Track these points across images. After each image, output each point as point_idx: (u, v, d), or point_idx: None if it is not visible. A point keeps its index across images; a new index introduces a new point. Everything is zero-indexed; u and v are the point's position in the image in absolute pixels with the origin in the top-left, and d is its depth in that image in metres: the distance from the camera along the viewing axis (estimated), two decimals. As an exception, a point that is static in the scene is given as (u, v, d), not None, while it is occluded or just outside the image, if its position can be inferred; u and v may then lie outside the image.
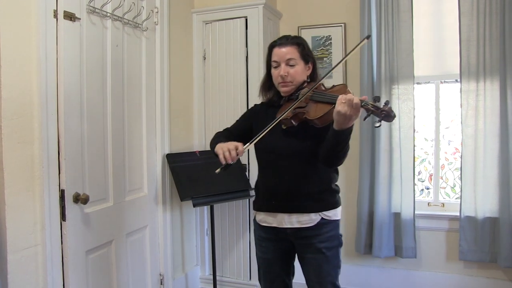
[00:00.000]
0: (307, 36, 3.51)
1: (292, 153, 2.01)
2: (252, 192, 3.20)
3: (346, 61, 3.43)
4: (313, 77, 2.10)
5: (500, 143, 3.00)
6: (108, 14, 2.56)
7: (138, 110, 2.90)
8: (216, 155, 1.92)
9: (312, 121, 1.89)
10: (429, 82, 3.38)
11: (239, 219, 3.44)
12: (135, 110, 2.86)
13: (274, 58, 2.04)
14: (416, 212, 3.23)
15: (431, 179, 3.46)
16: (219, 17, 3.43)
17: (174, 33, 3.26)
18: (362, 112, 1.74)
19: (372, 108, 1.70)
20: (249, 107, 2.30)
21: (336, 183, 2.11)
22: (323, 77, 2.03)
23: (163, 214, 3.12)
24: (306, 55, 2.06)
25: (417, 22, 3.22)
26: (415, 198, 3.23)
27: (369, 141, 3.27)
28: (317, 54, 3.50)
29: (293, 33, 3.56)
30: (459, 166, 3.14)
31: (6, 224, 1.97)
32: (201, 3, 3.52)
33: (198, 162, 3.17)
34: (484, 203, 3.05)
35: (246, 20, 3.35)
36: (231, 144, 1.89)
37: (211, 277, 3.32)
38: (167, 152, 3.16)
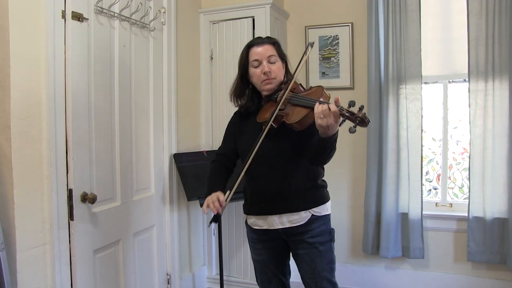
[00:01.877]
0: (314, 35, 3.51)
1: (275, 155, 2.01)
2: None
3: (353, 60, 3.43)
4: (287, 75, 2.12)
5: (509, 143, 2.98)
6: (116, 15, 2.57)
7: (145, 110, 2.91)
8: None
9: (291, 125, 1.91)
10: (437, 82, 3.36)
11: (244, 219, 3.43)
12: (142, 110, 2.87)
13: (254, 57, 2.05)
14: (423, 213, 3.21)
15: (439, 179, 3.44)
16: (226, 17, 3.43)
17: (181, 33, 3.27)
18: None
19: (347, 114, 1.71)
20: (228, 122, 2.32)
21: (323, 179, 2.12)
22: (295, 75, 2.01)
23: (170, 214, 3.13)
24: (282, 53, 2.10)
25: (425, 21, 3.20)
26: (423, 198, 3.21)
27: (376, 141, 3.26)
28: (324, 54, 3.50)
29: (301, 33, 3.59)
30: (467, 166, 3.12)
31: (15, 223, 1.98)
32: (208, 3, 3.52)
33: (205, 162, 3.17)
34: (493, 204, 3.03)
35: (253, 20, 3.35)
36: (214, 196, 1.97)
37: (218, 276, 3.32)
38: (174, 152, 3.17)
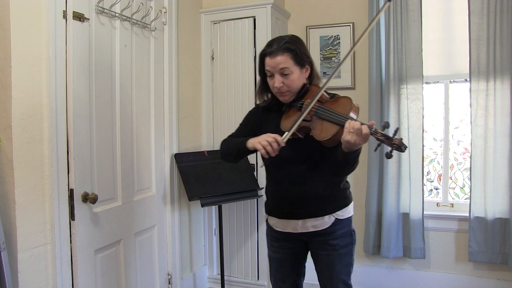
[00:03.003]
0: (315, 35, 3.51)
1: (299, 161, 1.97)
2: (261, 192, 3.22)
3: (354, 61, 3.43)
4: (312, 78, 2.01)
5: (510, 143, 2.97)
6: (117, 15, 2.57)
7: (146, 110, 2.91)
8: (250, 151, 1.92)
9: (320, 142, 1.83)
10: (438, 82, 3.36)
11: (247, 219, 3.44)
12: (143, 110, 2.87)
13: (267, 67, 1.94)
14: (425, 213, 3.21)
15: (440, 179, 3.43)
16: (227, 17, 3.43)
17: (183, 33, 3.27)
18: (372, 140, 1.71)
19: (381, 138, 1.66)
20: (249, 111, 2.24)
21: (346, 180, 2.08)
22: (323, 87, 1.91)
23: (171, 214, 3.13)
24: (301, 59, 1.93)
25: (426, 21, 3.20)
26: (424, 199, 3.21)
27: (377, 141, 3.25)
28: (325, 54, 3.49)
29: (302, 33, 3.58)
30: (469, 166, 3.12)
31: (16, 223, 1.99)
32: (209, 3, 3.52)
33: (206, 162, 3.18)
34: (494, 204, 3.02)
35: (254, 20, 3.34)
36: (269, 137, 1.82)
37: (219, 276, 3.33)
38: (175, 152, 3.17)
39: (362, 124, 1.68)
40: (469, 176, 3.13)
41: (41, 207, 2.11)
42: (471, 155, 3.08)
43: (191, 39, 3.41)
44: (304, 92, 1.97)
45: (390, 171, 3.22)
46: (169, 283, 3.13)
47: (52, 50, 2.12)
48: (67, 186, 2.22)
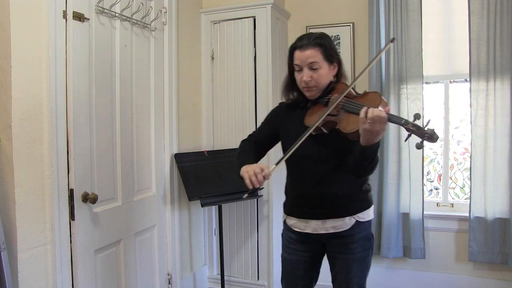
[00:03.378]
0: (315, 35, 3.50)
1: (322, 159, 1.94)
2: (261, 192, 3.22)
3: (354, 61, 3.43)
4: (339, 76, 1.99)
5: (510, 143, 2.97)
6: (117, 15, 2.57)
7: (146, 110, 2.91)
8: (242, 178, 1.87)
9: (346, 135, 1.79)
10: (438, 82, 3.36)
11: (247, 219, 3.44)
12: (143, 110, 2.87)
13: (295, 61, 1.92)
14: (425, 213, 3.21)
15: (440, 179, 3.43)
16: (227, 17, 3.43)
17: (183, 33, 3.27)
18: (404, 132, 1.66)
19: (412, 128, 1.61)
20: (272, 109, 2.20)
21: (368, 183, 2.05)
22: (353, 83, 1.90)
23: (171, 214, 3.13)
24: (330, 55, 1.92)
25: (426, 21, 3.20)
26: (424, 199, 3.21)
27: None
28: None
29: (302, 33, 3.53)
30: (469, 166, 3.12)
31: (16, 223, 1.99)
32: (209, 3, 3.52)
33: (206, 162, 3.18)
34: (494, 204, 3.02)
35: (254, 20, 3.34)
36: (257, 167, 1.81)
37: (219, 276, 3.33)
38: (175, 152, 3.17)
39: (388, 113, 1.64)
40: (469, 176, 3.13)
41: (41, 207, 2.11)
42: (471, 155, 3.08)
43: (191, 39, 3.41)
44: (330, 89, 1.95)
45: (390, 171, 3.22)
46: (169, 283, 3.13)
47: (52, 50, 2.12)
48: (67, 186, 2.22)
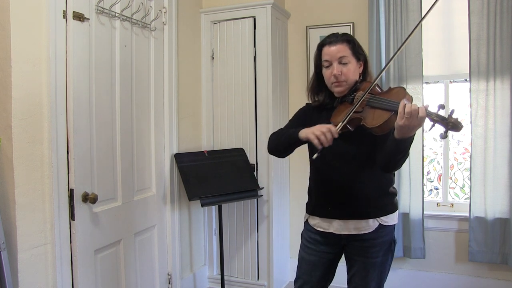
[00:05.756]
0: (315, 35, 3.50)
1: (348, 158, 1.94)
2: (261, 192, 3.22)
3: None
4: (365, 75, 2.01)
5: (510, 143, 2.97)
6: (117, 15, 2.57)
7: (146, 110, 2.91)
8: (303, 142, 1.88)
9: (370, 129, 1.79)
10: (438, 82, 3.36)
11: (247, 219, 3.44)
12: (143, 110, 2.87)
13: (325, 57, 1.94)
14: (425, 213, 3.21)
15: (440, 179, 3.43)
16: (227, 17, 3.43)
17: (182, 33, 3.27)
18: (426, 122, 1.66)
19: (436, 118, 1.61)
20: (300, 108, 2.20)
21: (393, 186, 2.03)
22: (377, 77, 1.90)
23: (171, 214, 3.13)
24: (357, 52, 1.96)
25: (426, 21, 3.19)
26: (424, 198, 3.21)
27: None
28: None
29: (302, 33, 3.58)
30: (469, 166, 3.12)
31: (16, 223, 1.99)
32: (209, 3, 3.52)
33: (206, 162, 3.18)
34: (494, 204, 3.02)
35: (254, 20, 3.34)
36: (323, 127, 1.79)
37: (219, 276, 3.32)
38: (175, 151, 3.17)
39: (419, 107, 1.63)
40: (469, 176, 3.13)
41: (41, 207, 2.11)
42: (471, 155, 3.08)
43: (191, 39, 3.41)
44: (356, 88, 1.96)
45: (390, 171, 3.22)
46: (169, 283, 3.13)
47: (52, 50, 2.12)
48: (67, 186, 2.22)
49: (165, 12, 3.04)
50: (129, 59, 2.71)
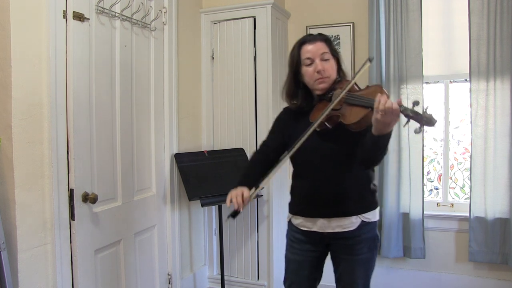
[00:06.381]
0: (315, 35, 3.50)
1: (328, 156, 1.95)
2: (261, 192, 3.21)
3: (354, 61, 3.43)
4: (340, 72, 2.04)
5: (510, 143, 2.97)
6: (117, 15, 2.57)
7: (146, 110, 2.91)
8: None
9: (348, 126, 1.83)
10: (438, 82, 3.36)
11: (247, 219, 3.44)
12: (143, 110, 2.87)
13: (307, 55, 1.96)
14: (425, 213, 3.21)
15: (440, 179, 3.43)
16: (227, 17, 3.43)
17: (183, 33, 3.27)
18: (401, 118, 1.68)
19: (411, 114, 1.64)
20: (277, 116, 2.22)
21: (374, 183, 2.06)
22: (355, 76, 1.91)
23: (171, 214, 3.13)
24: (334, 50, 2.02)
25: (426, 21, 3.19)
26: (424, 198, 3.21)
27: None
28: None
29: (302, 33, 3.56)
30: (469, 166, 3.11)
31: (16, 223, 1.99)
32: (209, 3, 3.52)
33: (206, 162, 3.18)
34: (494, 204, 3.02)
35: (254, 19, 3.34)
36: (239, 191, 1.95)
37: (219, 276, 3.32)
38: (175, 151, 3.17)
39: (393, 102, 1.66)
40: (469, 176, 3.13)
41: (41, 207, 2.11)
42: (471, 155, 3.08)
43: (191, 39, 3.41)
44: (334, 88, 1.97)
45: (390, 171, 3.22)
46: (169, 283, 3.13)
47: (52, 50, 2.12)
48: (67, 186, 2.22)
49: (165, 12, 3.04)
50: (129, 59, 2.71)
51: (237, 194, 1.93)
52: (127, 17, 2.65)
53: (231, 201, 1.94)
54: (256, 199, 3.34)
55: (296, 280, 2.12)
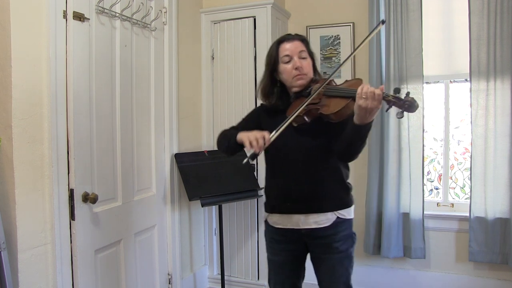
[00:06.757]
0: (316, 35, 3.51)
1: (305, 152, 1.97)
2: (261, 192, 3.21)
3: (354, 60, 3.43)
4: (315, 71, 2.08)
5: (510, 143, 2.97)
6: (117, 15, 2.57)
7: (146, 110, 2.91)
8: (240, 145, 1.95)
9: (327, 116, 1.84)
10: (438, 82, 3.36)
11: (247, 219, 3.44)
12: (143, 110, 2.87)
13: (285, 52, 2.00)
14: (425, 213, 3.21)
15: (440, 179, 3.43)
16: (228, 17, 3.43)
17: (183, 33, 3.27)
18: (383, 104, 1.71)
19: (393, 99, 1.67)
20: (254, 108, 2.25)
21: (348, 181, 2.09)
22: (335, 71, 1.97)
23: (171, 214, 3.13)
24: (311, 50, 2.07)
25: (426, 21, 3.19)
26: (424, 198, 3.21)
27: (378, 141, 3.26)
28: (326, 53, 3.49)
29: (302, 33, 3.54)
30: (469, 166, 3.11)
31: (16, 223, 1.99)
32: (209, 3, 3.52)
33: (206, 162, 3.18)
34: (495, 204, 3.02)
35: (255, 19, 3.34)
36: (258, 133, 1.84)
37: (219, 276, 3.33)
38: (175, 151, 3.17)
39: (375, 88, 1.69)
40: (469, 176, 3.13)
41: (41, 207, 2.11)
42: (471, 155, 3.08)
43: (191, 39, 3.41)
44: (312, 84, 2.01)
45: (390, 171, 3.22)
46: (169, 283, 3.13)
47: (52, 50, 2.12)
48: (67, 186, 2.22)
49: (165, 12, 3.04)
50: (129, 59, 2.71)
51: (256, 137, 1.82)
52: (127, 17, 2.65)
53: (250, 144, 1.84)
54: (256, 199, 3.34)
55: (280, 281, 2.15)
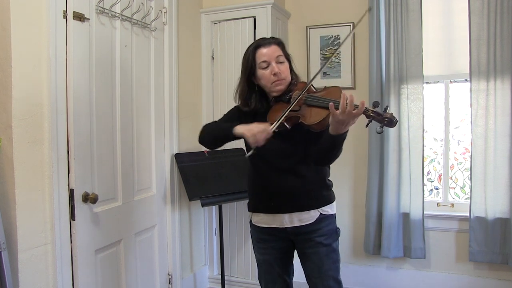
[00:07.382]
0: (316, 35, 3.51)
1: (286, 155, 2.01)
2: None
3: (355, 60, 3.43)
4: (292, 73, 2.09)
5: (510, 143, 2.97)
6: (117, 15, 2.57)
7: (146, 110, 2.91)
8: (233, 138, 1.97)
9: (309, 126, 1.88)
10: (438, 82, 3.36)
11: (247, 219, 3.43)
12: (143, 110, 2.87)
13: (263, 58, 2.00)
14: (425, 213, 3.21)
15: (440, 179, 3.43)
16: (228, 17, 3.43)
17: (183, 33, 3.27)
18: (363, 119, 1.72)
19: (372, 114, 1.69)
20: (233, 107, 2.23)
21: (329, 178, 2.12)
22: (313, 78, 2.01)
23: (171, 214, 3.13)
24: (287, 53, 2.07)
25: (426, 21, 3.19)
26: (424, 198, 3.21)
27: (378, 141, 3.26)
28: (326, 53, 3.49)
29: (302, 33, 3.59)
30: (469, 166, 3.11)
31: (16, 223, 1.99)
32: (209, 3, 3.52)
33: (206, 162, 3.18)
34: (495, 204, 3.02)
35: (255, 20, 3.35)
36: (259, 126, 1.88)
37: (220, 276, 3.33)
38: (175, 152, 3.17)
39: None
40: (469, 176, 3.13)
41: (42, 207, 2.11)
42: (471, 155, 3.08)
43: (191, 39, 3.41)
44: (290, 89, 2.04)
45: (390, 171, 3.22)
46: (169, 283, 3.13)
47: (52, 50, 2.12)
48: (67, 186, 2.22)
49: (165, 12, 3.04)
50: (129, 59, 2.72)
51: (259, 131, 1.86)
52: (127, 17, 2.66)
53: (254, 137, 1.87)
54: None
55: (270, 279, 2.18)
